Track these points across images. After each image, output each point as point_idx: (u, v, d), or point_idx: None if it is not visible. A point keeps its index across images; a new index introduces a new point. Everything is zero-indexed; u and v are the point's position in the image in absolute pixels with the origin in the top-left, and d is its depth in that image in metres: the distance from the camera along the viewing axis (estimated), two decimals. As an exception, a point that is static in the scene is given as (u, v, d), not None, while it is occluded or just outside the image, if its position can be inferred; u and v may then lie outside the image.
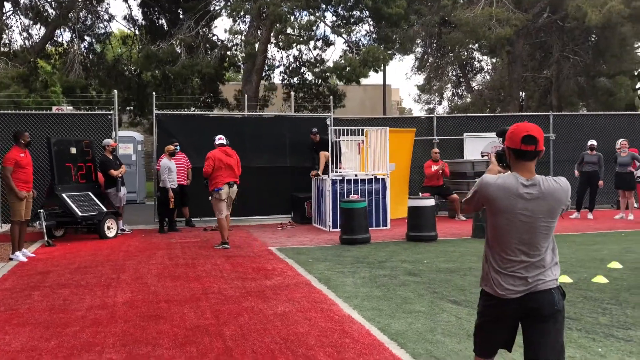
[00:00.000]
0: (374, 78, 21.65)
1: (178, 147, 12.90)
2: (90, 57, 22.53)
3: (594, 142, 13.94)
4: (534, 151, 3.03)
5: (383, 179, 12.66)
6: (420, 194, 12.06)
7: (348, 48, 20.45)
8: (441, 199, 14.35)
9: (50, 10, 21.68)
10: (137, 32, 23.35)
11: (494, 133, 15.72)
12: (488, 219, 3.17)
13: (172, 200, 12.28)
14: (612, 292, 6.71)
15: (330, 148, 12.53)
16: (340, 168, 12.93)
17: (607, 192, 15.21)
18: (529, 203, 3.01)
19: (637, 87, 30.03)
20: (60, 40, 23.07)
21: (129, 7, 34.18)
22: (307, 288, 7.10)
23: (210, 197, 10.61)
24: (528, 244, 3.04)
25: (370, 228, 11.23)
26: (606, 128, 16.00)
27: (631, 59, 25.74)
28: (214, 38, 22.03)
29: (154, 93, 14.05)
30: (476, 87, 34.19)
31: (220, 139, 10.94)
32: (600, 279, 7.26)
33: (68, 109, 17.57)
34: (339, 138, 12.93)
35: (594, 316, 5.73)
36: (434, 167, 14.00)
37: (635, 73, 28.20)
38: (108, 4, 35.77)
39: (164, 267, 8.60)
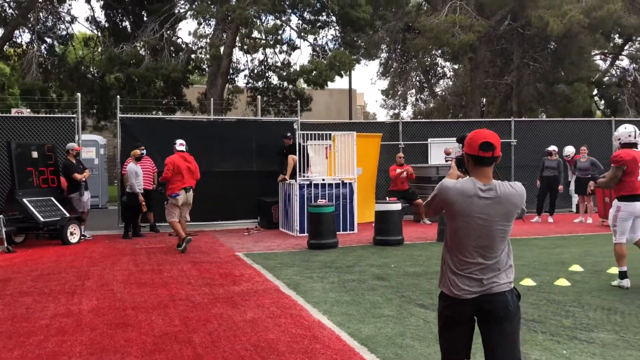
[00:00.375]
0: (339, 82, 21.76)
1: (144, 151, 12.74)
2: (51, 59, 22.09)
3: (554, 148, 14.27)
4: (491, 157, 3.14)
5: (350, 184, 12.72)
6: (387, 198, 12.18)
7: (314, 52, 20.54)
8: (406, 204, 14.48)
9: (9, 11, 21.20)
10: (99, 34, 22.99)
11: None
12: (447, 222, 3.26)
13: (144, 204, 12.13)
14: (574, 294, 6.88)
15: (297, 152, 12.54)
16: (308, 172, 12.95)
17: (567, 196, 15.61)
18: (485, 207, 3.11)
19: (594, 93, 30.85)
20: (19, 41, 22.57)
21: (92, 8, 33.40)
22: (276, 294, 7.10)
23: (166, 202, 10.70)
24: (485, 246, 3.13)
25: (337, 232, 11.27)
26: (565, 134, 16.39)
27: (588, 67, 26.46)
28: (179, 41, 21.85)
29: (118, 97, 13.86)
30: (439, 93, 34.68)
31: (181, 145, 10.94)
32: (562, 282, 7.44)
33: (27, 111, 17.18)
34: (306, 142, 12.96)
35: (558, 319, 5.87)
36: (398, 171, 14.14)
37: (592, 80, 28.95)
38: (70, 5, 35.22)
39: (130, 274, 8.48)
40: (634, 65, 29.39)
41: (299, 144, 12.70)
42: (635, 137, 7.20)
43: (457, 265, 3.18)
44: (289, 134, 13.74)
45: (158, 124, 14.15)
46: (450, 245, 3.24)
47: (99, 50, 22.44)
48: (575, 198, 15.26)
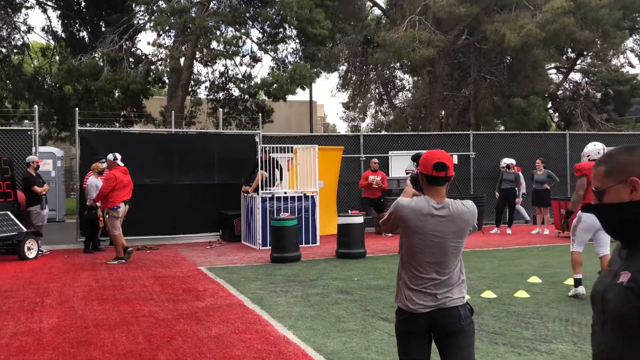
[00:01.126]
0: (299, 94, 21.86)
1: (105, 165, 12.55)
2: (6, 69, 21.58)
3: (512, 161, 14.62)
4: (445, 177, 3.28)
5: (312, 197, 12.79)
6: (349, 211, 12.26)
7: (275, 65, 20.59)
8: (373, 214, 14.51)
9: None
10: (56, 44, 22.58)
11: (418, 152, 16.18)
12: (402, 239, 3.38)
13: (101, 219, 11.94)
14: (533, 306, 7.06)
15: (269, 165, 12.55)
16: (279, 186, 12.98)
17: (526, 207, 15.98)
18: (439, 225, 3.23)
19: (548, 106, 31.71)
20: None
21: (48, 18, 32.86)
22: (241, 309, 7.08)
23: (107, 216, 10.93)
24: (439, 262, 3.24)
25: (300, 245, 11.30)
26: (522, 147, 16.79)
27: (542, 81, 27.19)
28: (138, 52, 21.63)
29: (77, 109, 13.63)
30: (398, 105, 35.11)
31: (119, 159, 11.22)
32: (522, 294, 7.63)
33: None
34: (271, 154, 12.96)
35: (518, 330, 6.02)
36: (371, 178, 14.06)
37: (547, 94, 29.76)
38: (26, 14, 34.42)
39: (91, 290, 8.34)
40: (586, 79, 30.34)
41: (268, 157, 12.73)
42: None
43: (413, 280, 3.28)
44: (267, 149, 13.55)
45: (118, 137, 13.97)
46: (406, 261, 3.35)
47: (57, 59, 22.03)
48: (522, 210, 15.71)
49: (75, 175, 13.32)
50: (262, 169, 12.70)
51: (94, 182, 11.99)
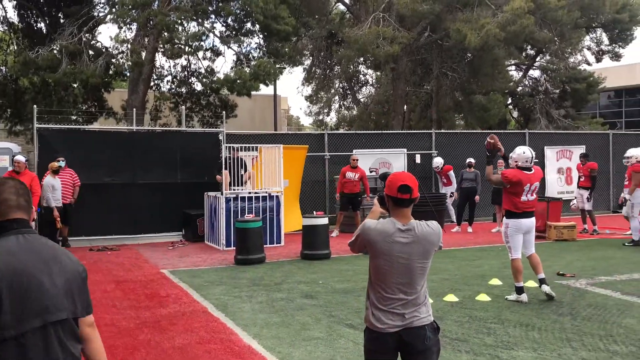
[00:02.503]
0: (263, 88, 21.69)
1: (63, 164, 12.29)
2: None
3: (472, 160, 14.83)
4: (409, 199, 3.36)
5: (277, 196, 12.75)
6: (314, 212, 12.26)
7: (239, 60, 20.41)
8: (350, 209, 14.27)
9: None
10: (12, 35, 21.92)
11: (382, 150, 16.20)
12: (370, 261, 3.43)
13: (58, 219, 11.70)
14: (494, 310, 7.19)
15: (235, 164, 12.44)
16: (246, 185, 12.90)
17: (484, 206, 16.22)
18: (405, 247, 3.31)
19: (508, 103, 32.25)
20: None
21: (4, 8, 31.82)
22: (205, 316, 7.03)
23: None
24: (406, 283, 3.32)
25: (264, 245, 11.26)
26: (482, 145, 16.98)
27: (502, 78, 27.64)
28: (99, 45, 21.15)
29: (34, 106, 13.26)
30: (362, 100, 35.24)
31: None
32: (483, 297, 7.76)
33: None
34: (235, 153, 12.87)
35: (480, 337, 6.12)
36: (349, 174, 13.83)
37: (507, 90, 30.26)
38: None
39: (50, 296, 8.15)
40: (545, 75, 30.96)
41: (240, 158, 12.65)
42: (531, 162, 7.74)
43: (381, 300, 3.34)
44: (233, 147, 13.35)
45: (77, 135, 13.67)
46: (374, 282, 3.41)
47: (12, 50, 21.38)
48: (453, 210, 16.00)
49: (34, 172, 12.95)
50: (227, 168, 12.60)
51: (50, 181, 11.75)
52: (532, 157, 7.75)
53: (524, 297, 7.56)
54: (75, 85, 20.32)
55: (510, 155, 7.97)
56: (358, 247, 3.49)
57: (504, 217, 7.77)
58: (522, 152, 7.78)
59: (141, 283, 9.00)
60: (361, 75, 35.13)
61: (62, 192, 12.11)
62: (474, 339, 6.04)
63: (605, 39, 30.67)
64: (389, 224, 3.35)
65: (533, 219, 7.68)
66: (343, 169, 14.03)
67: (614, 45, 30.49)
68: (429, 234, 3.36)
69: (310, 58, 31.56)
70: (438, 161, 15.18)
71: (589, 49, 31.52)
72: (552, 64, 29.96)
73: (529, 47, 29.46)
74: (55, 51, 18.77)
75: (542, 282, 7.65)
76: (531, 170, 7.70)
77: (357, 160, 14.14)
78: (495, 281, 8.74)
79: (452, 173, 15.38)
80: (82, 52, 18.97)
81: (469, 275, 9.39)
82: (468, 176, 14.64)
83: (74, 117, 20.84)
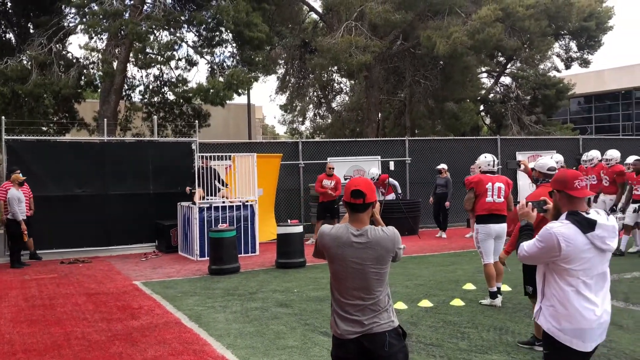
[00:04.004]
0: (237, 97, 21.63)
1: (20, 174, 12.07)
2: None
3: (444, 166, 14.91)
4: (363, 204, 3.35)
5: (251, 205, 12.69)
6: (288, 220, 12.21)
7: (212, 69, 20.33)
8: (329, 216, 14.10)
9: None
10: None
11: (356, 158, 16.24)
12: (328, 266, 3.43)
13: (26, 232, 11.49)
14: (468, 315, 7.23)
15: (207, 175, 12.36)
16: (220, 195, 12.81)
17: (458, 212, 16.30)
18: (358, 251, 3.29)
19: (480, 109, 32.62)
20: None
21: (-29, 18, 31.36)
22: (178, 327, 6.94)
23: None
24: (362, 288, 3.30)
25: (239, 255, 11.19)
26: (455, 151, 17.18)
27: (473, 86, 27.99)
28: (69, 55, 20.90)
29: (3, 117, 13.03)
30: (336, 108, 35.34)
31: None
32: (457, 302, 7.80)
33: None
34: (210, 163, 12.81)
35: (455, 341, 6.14)
36: (325, 182, 13.68)
37: (479, 97, 30.62)
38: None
39: (19, 310, 8.00)
40: (516, 82, 31.40)
41: (212, 168, 12.59)
42: (493, 166, 7.91)
43: (340, 306, 3.35)
44: (205, 157, 13.23)
45: (47, 146, 13.45)
46: (332, 287, 3.43)
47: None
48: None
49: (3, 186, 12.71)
50: (199, 177, 12.52)
51: (15, 194, 11.55)
52: (494, 162, 7.97)
53: (497, 301, 7.62)
54: (45, 96, 20.05)
55: (475, 166, 8.29)
56: (319, 252, 3.51)
57: (475, 223, 7.84)
58: (484, 157, 8.00)
59: (113, 295, 8.86)
60: (335, 84, 35.27)
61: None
62: (448, 344, 6.05)
63: (573, 46, 31.24)
64: (343, 229, 3.36)
65: (503, 225, 7.70)
66: (319, 176, 13.97)
67: (582, 52, 31.07)
68: (382, 239, 3.32)
69: (285, 67, 31.60)
70: (373, 172, 14.77)
71: (558, 56, 32.09)
72: (522, 71, 30.42)
73: (500, 54, 29.86)
74: (24, 62, 18.51)
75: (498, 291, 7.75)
76: (495, 174, 7.86)
77: (333, 168, 14.07)
78: (469, 286, 8.79)
79: (391, 180, 15.14)
80: (52, 63, 18.74)
81: (443, 280, 9.43)
82: (439, 182, 14.73)
83: (44, 129, 20.55)
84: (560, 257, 3.35)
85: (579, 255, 3.33)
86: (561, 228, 3.36)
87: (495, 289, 7.68)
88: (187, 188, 13.13)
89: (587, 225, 3.34)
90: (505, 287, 8.32)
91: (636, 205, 11.15)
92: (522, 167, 7.98)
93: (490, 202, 7.60)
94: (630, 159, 11.78)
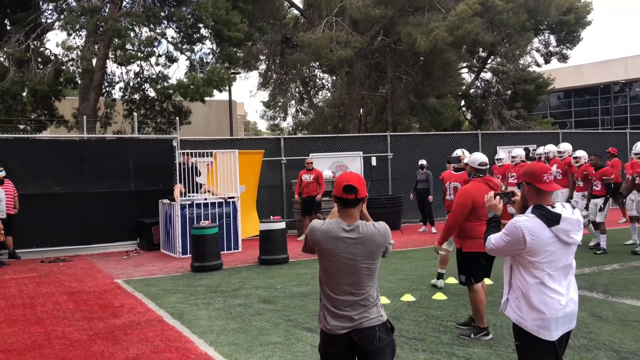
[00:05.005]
0: (218, 94, 21.55)
1: (3, 173, 11.91)
2: None
3: (424, 162, 14.95)
4: (355, 199, 3.32)
5: (234, 202, 12.64)
6: (271, 217, 12.18)
7: (192, 66, 20.21)
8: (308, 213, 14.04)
9: None
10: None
11: (338, 153, 16.25)
12: (319, 261, 3.42)
13: (2, 232, 11.34)
14: (451, 308, 7.27)
15: (189, 172, 12.28)
16: (201, 191, 12.73)
17: (440, 206, 16.37)
18: (349, 247, 3.28)
19: (462, 104, 32.83)
20: None
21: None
22: (160, 325, 6.90)
23: None
24: (353, 283, 3.29)
25: (222, 252, 11.15)
26: (436, 146, 17.24)
27: (454, 81, 28.13)
28: (47, 52, 20.66)
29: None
30: (319, 104, 35.36)
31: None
32: (440, 296, 7.84)
33: None
34: (188, 159, 12.72)
35: (437, 335, 6.17)
36: (305, 176, 13.71)
37: (460, 93, 30.80)
38: None
39: (-2, 310, 7.90)
40: (496, 77, 31.64)
41: (193, 165, 12.49)
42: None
43: (330, 301, 3.33)
44: (187, 153, 13.10)
45: (25, 144, 13.28)
46: (322, 282, 3.41)
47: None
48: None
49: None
50: (180, 174, 12.44)
51: (-6, 192, 11.41)
52: (463, 153, 8.74)
53: (440, 282, 8.46)
54: (24, 94, 19.82)
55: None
56: (309, 248, 3.48)
57: None
58: (455, 152, 9.09)
59: (94, 294, 8.78)
60: (317, 80, 35.28)
61: (5, 202, 11.76)
62: (430, 338, 6.09)
63: (553, 41, 31.56)
64: (334, 224, 3.34)
65: None
66: (300, 172, 14.00)
67: (561, 46, 31.40)
68: (373, 235, 3.31)
69: (266, 63, 31.52)
70: (327, 174, 14.88)
71: (537, 50, 32.41)
72: (502, 66, 30.66)
73: (480, 49, 30.05)
74: (1, 59, 18.27)
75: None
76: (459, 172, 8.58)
77: (312, 163, 14.05)
78: (451, 280, 8.83)
79: (430, 174, 15.11)
80: (30, 60, 18.52)
81: (425, 274, 9.47)
82: (420, 177, 14.77)
83: (22, 126, 20.32)
84: (525, 250, 3.42)
85: (544, 248, 3.40)
86: (527, 222, 3.42)
87: (443, 271, 8.48)
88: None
89: (552, 219, 3.40)
90: (487, 281, 8.36)
91: (598, 200, 11.08)
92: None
93: (448, 200, 8.56)
94: (580, 153, 11.78)
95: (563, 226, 3.40)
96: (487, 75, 32.82)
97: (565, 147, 12.39)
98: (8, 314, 7.64)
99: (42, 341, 6.36)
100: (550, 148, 12.81)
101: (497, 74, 31.41)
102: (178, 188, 12.37)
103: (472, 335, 6.01)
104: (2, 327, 7.00)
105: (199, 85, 17.62)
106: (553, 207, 3.46)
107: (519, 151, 12.66)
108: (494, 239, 3.60)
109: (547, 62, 32.56)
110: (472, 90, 32.69)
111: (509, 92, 30.83)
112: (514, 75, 29.71)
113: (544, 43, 32.05)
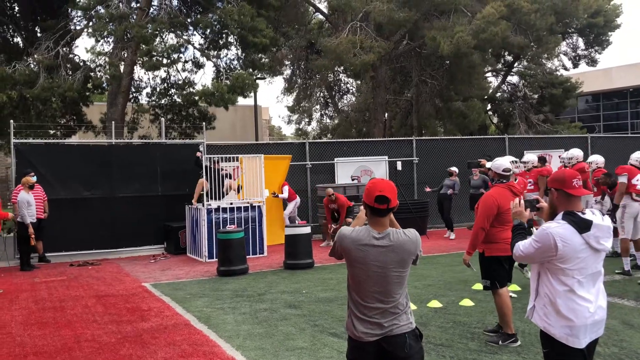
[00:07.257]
0: (244, 99, 21.68)
1: (35, 178, 12.12)
2: None
3: (455, 169, 14.79)
4: (386, 209, 3.30)
5: (259, 207, 12.69)
6: (296, 221, 12.19)
7: (218, 71, 20.36)
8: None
9: None
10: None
11: (363, 158, 16.22)
12: (347, 269, 3.40)
13: (33, 236, 11.54)
14: (478, 315, 7.20)
15: (217, 177, 12.36)
16: (226, 186, 12.80)
17: (464, 211, 16.21)
18: (380, 255, 3.25)
19: (488, 108, 32.51)
20: None
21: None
22: (187, 329, 6.95)
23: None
24: (382, 291, 3.27)
25: (247, 256, 11.20)
26: (462, 151, 17.11)
27: (479, 85, 27.87)
28: (76, 58, 20.99)
29: (12, 121, 13.10)
30: (343, 109, 35.36)
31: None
32: (467, 302, 7.77)
33: None
34: (216, 165, 12.80)
35: (464, 342, 6.12)
36: (332, 206, 13.57)
37: (486, 96, 30.51)
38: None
39: (30, 313, 8.03)
40: (523, 81, 31.28)
41: (224, 170, 12.58)
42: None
43: (359, 308, 3.32)
44: (214, 159, 13.12)
45: (55, 149, 13.52)
46: (351, 290, 3.39)
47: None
48: None
49: (12, 186, 12.81)
50: (207, 179, 12.51)
51: (25, 197, 11.61)
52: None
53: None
54: (53, 100, 20.14)
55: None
56: (337, 254, 3.46)
57: None
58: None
59: (122, 297, 8.88)
60: (342, 84, 35.28)
61: (35, 207, 11.97)
62: (458, 344, 6.03)
63: (581, 44, 31.09)
64: (364, 232, 3.31)
65: None
66: (324, 200, 13.64)
67: (590, 50, 30.90)
68: (405, 242, 3.29)
69: (291, 68, 31.64)
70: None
71: (565, 54, 31.93)
72: (529, 70, 30.30)
73: (507, 53, 29.75)
74: (32, 66, 18.60)
75: None
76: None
77: (333, 194, 13.40)
78: (478, 286, 8.72)
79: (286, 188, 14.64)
80: (59, 66, 18.83)
81: (452, 280, 9.40)
82: (447, 182, 14.66)
83: (52, 132, 20.65)
84: (557, 257, 3.38)
85: (575, 255, 3.37)
86: (558, 228, 3.39)
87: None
88: (198, 153, 13.09)
89: (583, 226, 3.37)
90: (515, 287, 8.29)
91: None
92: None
93: None
94: (593, 158, 11.18)
95: (594, 232, 3.37)
96: (513, 78, 32.49)
97: (574, 153, 11.71)
98: (39, 317, 7.76)
99: (72, 344, 6.45)
100: (574, 153, 12.28)
101: (524, 77, 31.04)
102: (202, 183, 12.40)
103: (500, 342, 5.95)
104: (33, 329, 7.12)
105: (224, 92, 17.74)
106: (583, 213, 3.42)
107: (531, 156, 12.34)
108: (523, 245, 3.57)
109: (575, 65, 32.09)
110: (498, 94, 32.37)
111: (536, 95, 30.44)
112: (541, 79, 29.33)
113: (572, 46, 31.59)
